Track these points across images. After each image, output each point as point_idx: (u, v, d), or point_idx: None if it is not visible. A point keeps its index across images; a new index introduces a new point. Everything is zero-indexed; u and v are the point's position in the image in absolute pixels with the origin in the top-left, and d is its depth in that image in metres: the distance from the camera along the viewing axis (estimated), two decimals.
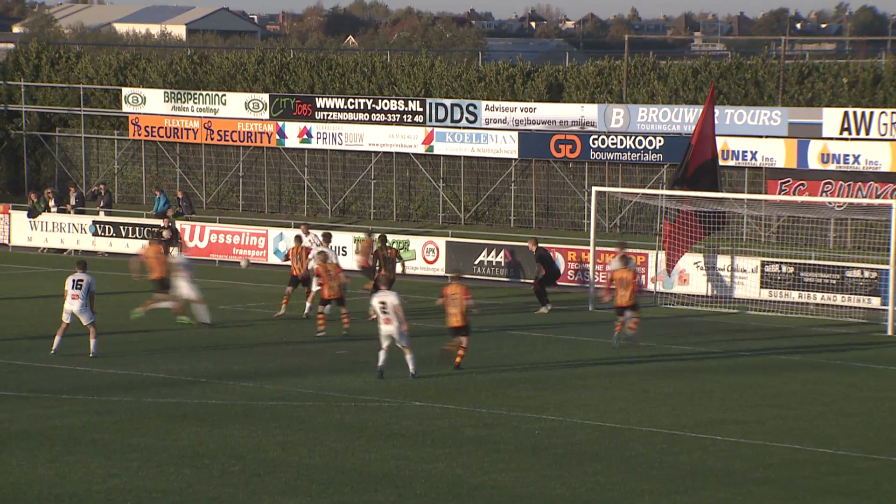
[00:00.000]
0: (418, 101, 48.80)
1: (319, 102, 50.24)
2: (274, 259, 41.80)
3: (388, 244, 34.73)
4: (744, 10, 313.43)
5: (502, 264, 39.89)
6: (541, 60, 57.43)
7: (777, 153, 43.77)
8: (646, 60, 48.44)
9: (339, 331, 30.63)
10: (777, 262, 36.56)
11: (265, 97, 51.00)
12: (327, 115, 50.08)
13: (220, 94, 51.76)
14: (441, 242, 40.97)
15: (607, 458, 20.32)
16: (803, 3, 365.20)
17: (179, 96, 52.05)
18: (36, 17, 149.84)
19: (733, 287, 36.14)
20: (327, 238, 34.43)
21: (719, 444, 21.31)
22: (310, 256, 32.99)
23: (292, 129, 50.50)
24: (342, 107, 49.89)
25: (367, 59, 53.31)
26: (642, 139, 45.66)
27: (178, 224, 44.62)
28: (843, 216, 41.92)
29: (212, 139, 51.70)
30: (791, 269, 36.20)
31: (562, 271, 37.66)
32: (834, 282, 35.58)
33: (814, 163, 43.18)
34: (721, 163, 40.91)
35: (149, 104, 52.58)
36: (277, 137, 50.80)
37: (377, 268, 33.66)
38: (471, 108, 48.03)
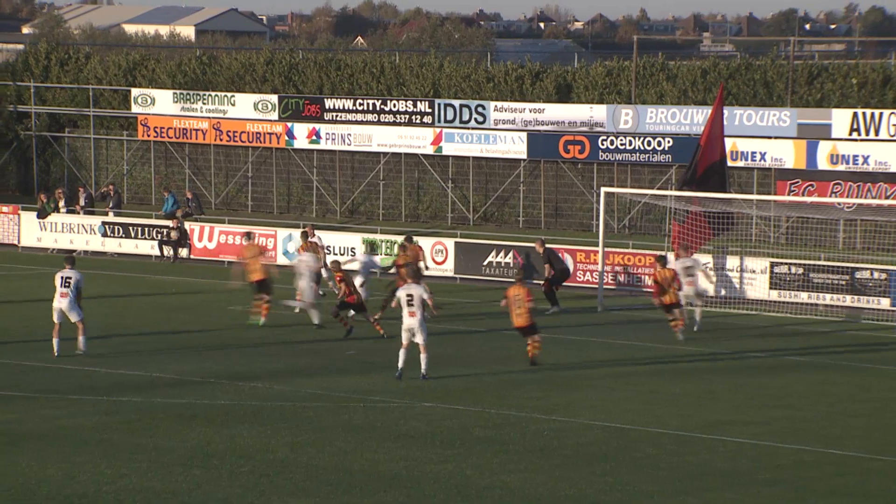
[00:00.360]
0: (427, 102, 48.84)
1: (328, 103, 50.29)
2: (283, 260, 41.83)
3: (413, 243, 34.83)
4: (753, 10, 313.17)
5: (511, 265, 39.89)
6: (549, 61, 57.45)
7: (786, 154, 43.74)
8: (655, 61, 48.44)
9: (350, 332, 30.63)
10: (786, 263, 36.54)
11: (274, 98, 51.07)
12: (336, 115, 50.12)
13: (229, 94, 51.83)
14: (450, 243, 40.99)
15: (615, 459, 20.33)
16: (812, 4, 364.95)
17: (188, 97, 52.14)
18: (45, 17, 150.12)
19: (742, 288, 36.10)
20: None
21: (727, 445, 21.31)
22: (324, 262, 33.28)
23: (301, 130, 50.56)
24: (351, 107, 49.94)
25: (375, 59, 53.36)
26: (651, 140, 45.65)
27: (187, 225, 44.72)
28: (853, 217, 41.88)
29: (221, 140, 51.77)
30: (800, 270, 36.17)
31: (571, 271, 37.63)
32: (843, 283, 35.55)
33: (823, 164, 43.15)
34: (730, 163, 40.89)
35: (158, 105, 52.67)
36: (286, 138, 50.86)
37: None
38: (479, 109, 48.06)
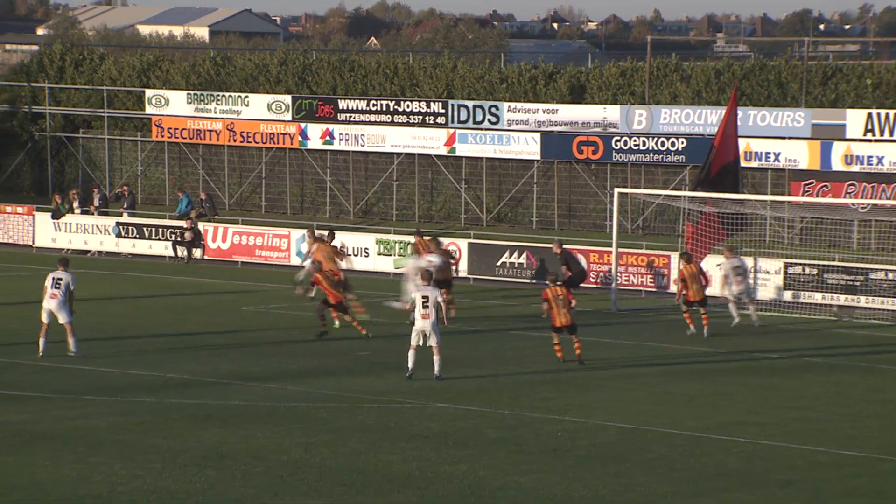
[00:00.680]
0: (440, 103, 48.84)
1: (342, 104, 50.33)
2: (296, 260, 41.85)
3: (441, 245, 34.75)
4: (767, 11, 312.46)
5: (524, 266, 39.86)
6: (563, 62, 57.44)
7: (800, 154, 43.66)
8: (668, 62, 48.38)
9: (357, 332, 30.63)
10: (800, 264, 36.46)
11: (288, 99, 51.11)
12: (349, 116, 50.16)
13: (243, 95, 51.90)
14: (463, 244, 40.98)
15: (630, 460, 20.30)
16: (827, 5, 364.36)
17: (202, 98, 52.21)
18: (60, 19, 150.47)
19: (756, 288, 36.00)
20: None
21: (741, 446, 21.27)
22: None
23: (315, 131, 50.59)
24: (364, 108, 49.96)
25: (389, 60, 53.38)
26: (665, 140, 45.59)
27: (200, 226, 44.77)
28: (867, 218, 41.77)
29: (234, 141, 51.84)
30: (814, 271, 36.09)
31: (587, 272, 37.56)
32: (858, 284, 35.46)
33: (837, 164, 43.06)
34: (744, 164, 40.84)
35: (172, 106, 52.75)
36: (300, 139, 50.90)
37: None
38: (493, 110, 48.04)
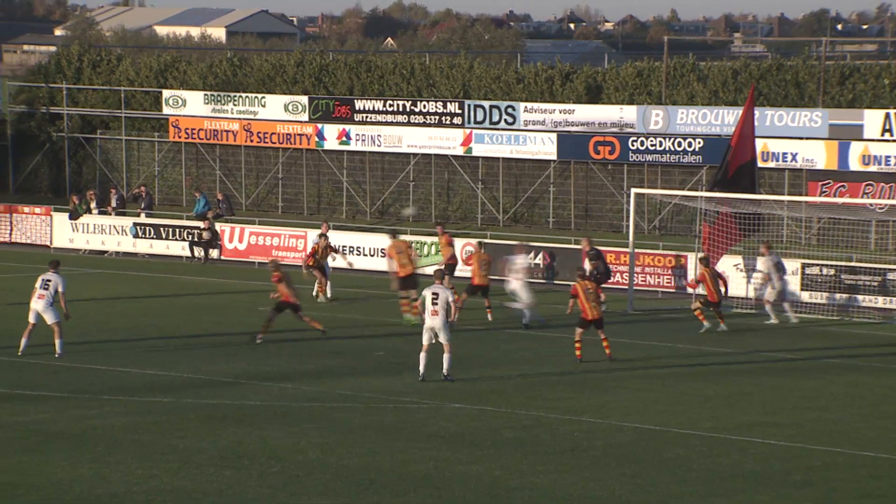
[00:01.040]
0: (457, 103, 48.85)
1: (358, 104, 50.37)
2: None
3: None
4: (784, 11, 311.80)
5: (541, 266, 39.84)
6: (580, 62, 57.40)
7: (817, 155, 43.55)
8: (685, 62, 48.31)
9: (376, 331, 30.64)
10: (818, 265, 36.37)
11: (304, 99, 51.18)
12: (366, 116, 50.20)
13: (260, 96, 51.98)
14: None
15: (646, 461, 20.28)
16: (844, 4, 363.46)
17: (219, 98, 52.31)
18: (77, 20, 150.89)
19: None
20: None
21: (758, 447, 21.23)
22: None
23: (331, 131, 50.65)
24: (381, 108, 50.00)
25: (405, 60, 53.40)
26: (681, 141, 45.53)
27: (217, 226, 44.86)
28: (885, 218, 41.63)
29: (251, 141, 51.92)
30: (832, 272, 35.99)
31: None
32: (875, 284, 35.36)
33: (855, 164, 42.94)
34: (761, 164, 40.74)
35: (189, 106, 52.86)
36: (316, 139, 50.97)
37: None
38: (509, 110, 48.03)
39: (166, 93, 53.41)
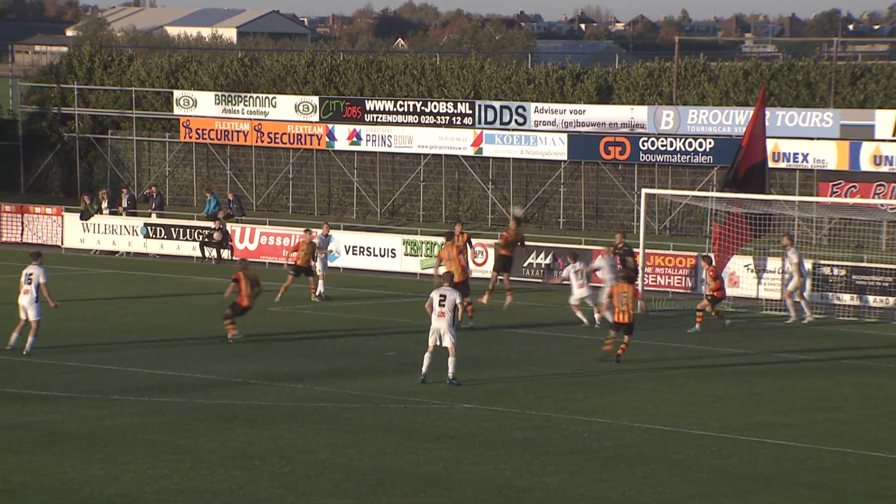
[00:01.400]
0: (468, 104, 48.84)
1: (369, 105, 50.39)
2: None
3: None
4: (795, 11, 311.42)
5: (551, 266, 39.80)
6: (590, 62, 57.35)
7: (829, 155, 43.48)
8: (696, 62, 48.24)
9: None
10: (829, 265, 36.31)
11: (315, 99, 51.20)
12: (377, 117, 50.20)
13: (271, 96, 52.02)
14: (490, 245, 40.89)
15: (656, 461, 20.26)
16: (856, 4, 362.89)
17: (230, 99, 52.37)
18: (89, 20, 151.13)
19: (784, 290, 35.85)
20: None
21: (769, 448, 21.20)
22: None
23: (342, 132, 50.67)
24: (391, 109, 50.00)
25: (416, 61, 53.41)
26: (692, 141, 45.47)
27: (228, 226, 44.90)
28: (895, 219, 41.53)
29: (262, 141, 51.96)
30: (843, 272, 35.93)
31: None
32: (887, 284, 35.29)
33: (866, 165, 42.86)
34: (772, 165, 40.67)
35: (200, 107, 52.91)
36: (327, 140, 50.99)
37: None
38: (520, 111, 48.01)
39: (177, 93, 53.47)
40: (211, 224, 44.87)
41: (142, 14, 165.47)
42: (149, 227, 45.85)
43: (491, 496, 18.41)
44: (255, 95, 52.21)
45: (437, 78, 51.28)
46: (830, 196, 42.30)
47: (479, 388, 25.25)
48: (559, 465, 19.89)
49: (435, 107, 49.29)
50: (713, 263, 33.14)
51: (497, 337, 31.13)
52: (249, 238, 44.47)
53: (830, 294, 35.80)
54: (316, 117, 51.05)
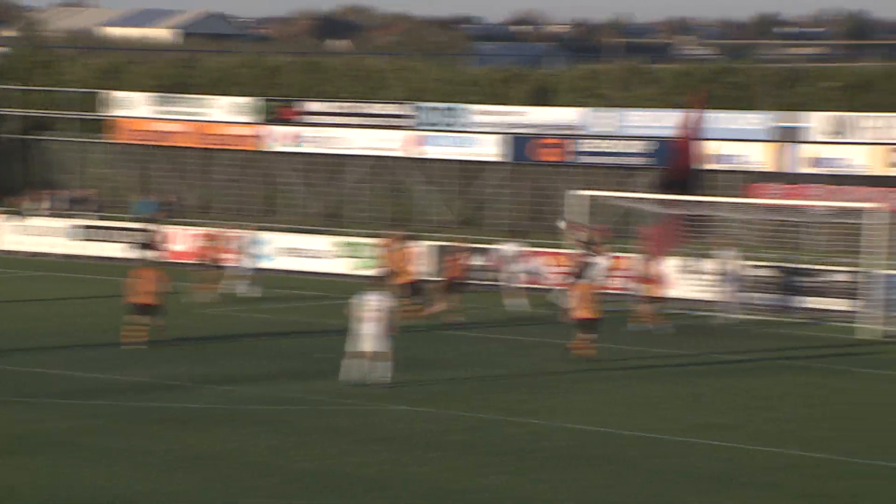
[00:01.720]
0: (408, 105, 48.81)
1: (308, 106, 50.22)
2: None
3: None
4: (732, 14, 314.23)
5: (490, 268, 39.81)
6: (530, 64, 57.51)
7: (763, 157, 43.84)
8: (634, 64, 48.51)
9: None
10: (763, 266, 36.61)
11: (254, 101, 50.96)
12: (316, 118, 50.05)
13: (209, 97, 51.70)
14: (429, 247, 40.87)
15: (596, 463, 20.31)
16: (791, 7, 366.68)
17: (168, 100, 52.01)
18: (26, 20, 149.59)
19: (719, 291, 36.08)
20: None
21: (708, 448, 21.32)
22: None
23: (281, 134, 50.46)
24: (332, 111, 49.86)
25: (357, 62, 53.31)
26: (630, 143, 45.68)
27: (164, 228, 44.56)
28: (830, 220, 41.92)
29: (200, 143, 51.63)
30: (777, 273, 36.26)
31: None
32: (816, 285, 35.69)
33: (800, 167, 43.26)
34: (708, 166, 40.92)
35: (137, 108, 52.50)
36: (266, 141, 50.75)
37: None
38: (460, 112, 48.03)
39: (114, 94, 53.02)
40: (147, 226, 44.51)
41: (80, 14, 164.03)
42: (84, 230, 45.40)
43: (430, 498, 18.38)
44: (193, 97, 51.87)
45: (378, 80, 51.19)
46: (765, 198, 42.61)
47: (421, 389, 25.22)
48: (498, 467, 19.89)
49: (375, 109, 49.22)
50: (649, 264, 33.23)
51: (441, 338, 31.12)
52: (186, 240, 44.14)
53: (765, 295, 36.08)
54: (255, 119, 50.80)
